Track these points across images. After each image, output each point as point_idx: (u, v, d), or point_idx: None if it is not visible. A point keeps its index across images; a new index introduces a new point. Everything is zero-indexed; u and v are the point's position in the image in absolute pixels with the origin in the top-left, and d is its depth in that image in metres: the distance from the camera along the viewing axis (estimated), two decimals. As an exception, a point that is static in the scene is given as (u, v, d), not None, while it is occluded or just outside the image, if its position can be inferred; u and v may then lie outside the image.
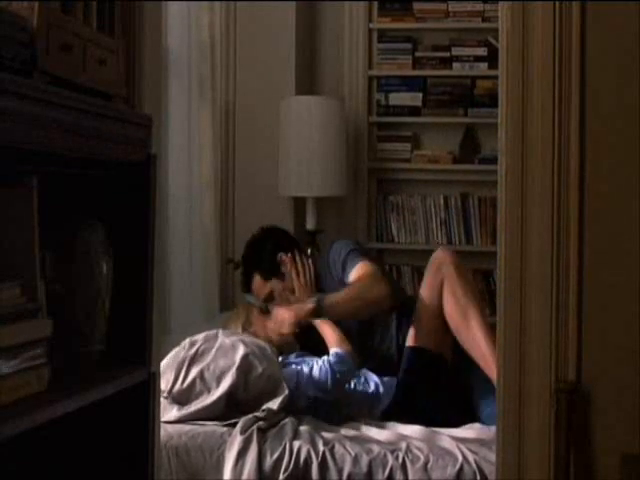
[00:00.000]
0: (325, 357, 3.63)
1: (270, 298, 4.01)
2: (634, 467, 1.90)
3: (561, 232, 1.97)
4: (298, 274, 3.94)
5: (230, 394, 3.39)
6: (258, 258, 4.04)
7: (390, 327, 3.85)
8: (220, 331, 3.61)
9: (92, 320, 1.82)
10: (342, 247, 3.96)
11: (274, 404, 3.39)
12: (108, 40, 1.82)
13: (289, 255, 4.00)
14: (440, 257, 3.73)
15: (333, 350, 3.64)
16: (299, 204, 4.85)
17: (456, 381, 3.68)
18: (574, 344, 1.96)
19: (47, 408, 1.54)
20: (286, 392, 3.43)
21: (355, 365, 3.65)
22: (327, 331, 3.74)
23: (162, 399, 3.38)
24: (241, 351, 3.46)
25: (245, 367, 3.42)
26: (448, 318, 3.65)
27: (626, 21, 1.95)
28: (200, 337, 3.54)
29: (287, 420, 3.37)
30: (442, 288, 3.67)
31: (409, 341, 3.73)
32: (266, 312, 3.92)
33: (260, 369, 3.44)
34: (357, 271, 3.82)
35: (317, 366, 3.60)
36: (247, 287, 4.09)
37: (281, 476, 3.18)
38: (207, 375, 3.41)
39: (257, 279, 4.04)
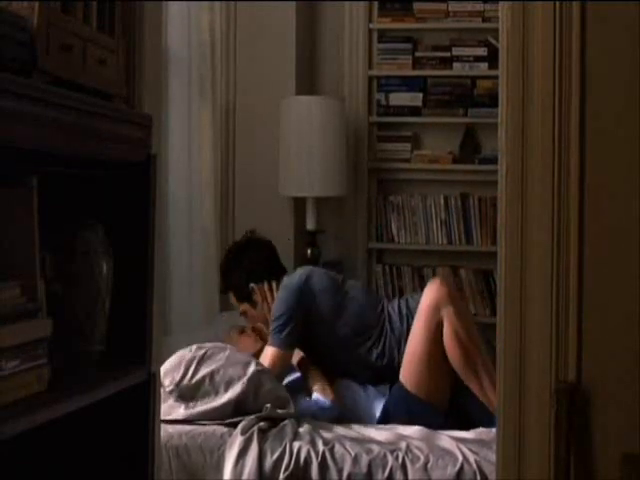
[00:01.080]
0: (310, 399, 3.64)
1: (245, 314, 4.06)
2: (634, 467, 1.90)
3: (561, 232, 1.97)
4: (270, 309, 3.94)
5: (239, 401, 3.41)
6: (231, 279, 4.08)
7: (381, 338, 3.81)
8: (229, 345, 3.67)
9: (92, 320, 1.82)
10: (276, 305, 3.85)
11: (279, 410, 3.42)
12: (108, 40, 1.82)
13: (260, 286, 4.01)
14: (438, 296, 3.53)
15: (316, 396, 3.64)
16: (299, 204, 4.85)
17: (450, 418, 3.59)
18: (574, 344, 1.96)
19: (47, 408, 1.54)
20: (292, 411, 3.45)
21: (337, 410, 3.60)
22: (309, 374, 3.76)
23: (169, 396, 3.39)
24: (253, 367, 3.49)
25: (256, 381, 3.45)
26: (452, 361, 3.52)
27: (626, 21, 1.95)
28: (208, 344, 3.60)
29: (287, 421, 3.38)
30: (441, 328, 3.52)
31: (402, 375, 3.61)
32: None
33: (269, 386, 3.47)
34: (262, 357, 3.77)
35: (304, 400, 3.63)
36: (225, 290, 4.19)
37: (281, 476, 3.18)
38: (217, 377, 3.43)
39: (232, 296, 4.12)
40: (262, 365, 3.58)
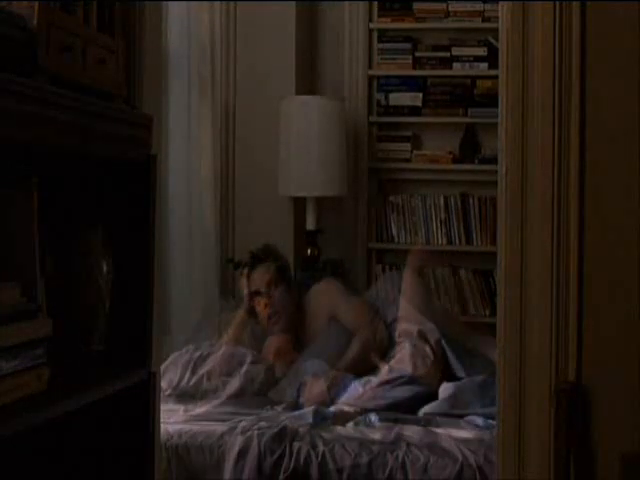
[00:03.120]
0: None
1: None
2: (634, 467, 1.90)
3: (561, 232, 1.97)
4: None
5: (238, 396, 3.43)
6: None
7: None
8: (224, 343, 3.70)
9: (92, 320, 1.82)
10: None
11: (279, 407, 3.43)
12: (108, 40, 1.82)
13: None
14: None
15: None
16: (299, 204, 4.85)
17: None
18: (574, 344, 1.96)
19: (47, 408, 1.54)
20: (290, 400, 3.47)
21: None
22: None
23: (168, 399, 3.41)
24: (248, 358, 3.52)
25: (253, 373, 3.47)
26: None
27: (626, 21, 1.95)
28: (204, 345, 3.62)
29: (287, 420, 3.38)
30: None
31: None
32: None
33: (265, 376, 3.50)
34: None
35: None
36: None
37: (281, 476, 3.18)
38: (214, 375, 3.46)
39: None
40: (257, 356, 3.62)
